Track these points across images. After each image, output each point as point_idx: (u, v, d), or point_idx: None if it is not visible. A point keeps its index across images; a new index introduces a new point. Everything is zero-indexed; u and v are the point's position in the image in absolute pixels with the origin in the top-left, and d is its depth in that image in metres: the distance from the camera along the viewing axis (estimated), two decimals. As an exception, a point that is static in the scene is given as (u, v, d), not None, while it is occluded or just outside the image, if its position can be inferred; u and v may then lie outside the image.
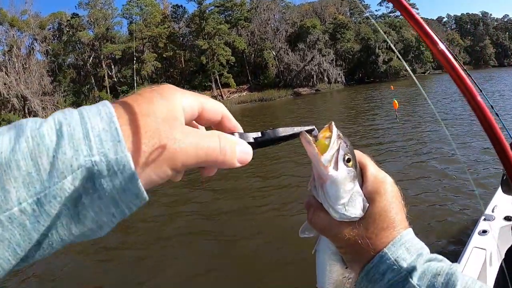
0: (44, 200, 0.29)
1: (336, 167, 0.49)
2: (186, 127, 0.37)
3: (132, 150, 0.33)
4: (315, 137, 0.49)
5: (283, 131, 0.46)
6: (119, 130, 0.32)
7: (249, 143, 0.42)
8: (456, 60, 0.37)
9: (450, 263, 0.51)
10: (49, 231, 0.30)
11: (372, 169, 0.56)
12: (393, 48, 0.55)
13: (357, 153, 0.56)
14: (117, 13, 42.41)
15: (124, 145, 0.32)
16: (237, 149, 0.40)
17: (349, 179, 0.50)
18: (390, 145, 9.79)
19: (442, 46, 0.38)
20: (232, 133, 0.42)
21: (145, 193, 0.34)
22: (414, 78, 0.53)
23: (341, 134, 0.51)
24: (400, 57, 0.53)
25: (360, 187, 0.53)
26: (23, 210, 0.29)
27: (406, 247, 0.51)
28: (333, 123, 0.51)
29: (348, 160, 0.50)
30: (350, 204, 0.51)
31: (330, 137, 0.49)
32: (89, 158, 0.31)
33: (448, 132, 9.30)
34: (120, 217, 0.33)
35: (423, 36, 0.37)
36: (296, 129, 0.47)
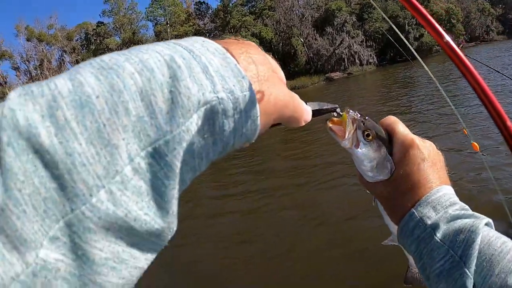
0: (165, 149, 0.24)
1: (357, 145, 0.58)
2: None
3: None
4: (339, 114, 0.57)
5: (312, 106, 0.48)
6: (239, 67, 0.29)
7: None
8: (464, 55, 0.37)
9: (476, 218, 0.53)
10: (172, 190, 0.25)
11: (400, 133, 0.61)
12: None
13: (388, 118, 0.64)
14: (142, 17, 42.49)
15: (249, 82, 0.29)
16: (308, 112, 0.41)
17: (372, 151, 0.59)
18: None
19: (447, 38, 0.38)
20: None
21: (255, 138, 0.31)
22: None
23: (355, 116, 0.58)
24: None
25: (390, 151, 0.60)
26: (137, 168, 0.23)
27: (433, 205, 0.56)
28: (347, 108, 0.59)
29: (368, 135, 0.58)
30: (376, 169, 0.60)
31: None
32: (215, 95, 0.26)
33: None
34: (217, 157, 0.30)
35: (430, 30, 0.37)
36: (321, 105, 0.51)
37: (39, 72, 38.34)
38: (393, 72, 31.87)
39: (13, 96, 0.22)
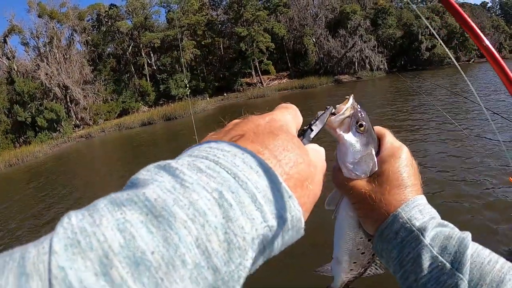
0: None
1: (347, 130, 0.56)
2: (309, 154, 0.35)
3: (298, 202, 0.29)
4: (334, 114, 0.56)
5: (318, 125, 0.48)
6: (285, 185, 0.28)
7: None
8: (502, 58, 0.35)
9: (461, 231, 0.52)
10: None
11: (389, 138, 0.61)
12: (435, 34, 0.57)
13: (377, 127, 0.62)
14: (155, 2, 42.11)
15: (296, 201, 0.28)
16: (323, 154, 0.40)
17: (360, 142, 0.57)
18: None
19: (487, 42, 0.36)
20: (304, 130, 0.45)
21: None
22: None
23: (356, 105, 0.57)
24: (443, 43, 0.56)
25: (377, 154, 0.59)
26: None
27: (419, 209, 0.53)
28: (352, 95, 0.58)
29: (360, 126, 0.56)
30: (359, 164, 0.57)
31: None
32: (265, 224, 0.26)
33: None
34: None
35: (470, 33, 0.36)
36: (322, 120, 0.49)
37: (48, 49, 38.12)
38: (404, 80, 30.78)
39: (59, 249, 0.20)
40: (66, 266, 0.19)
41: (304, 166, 0.32)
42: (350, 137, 0.56)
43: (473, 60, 52.91)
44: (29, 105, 31.91)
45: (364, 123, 0.57)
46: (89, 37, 40.44)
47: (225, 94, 38.29)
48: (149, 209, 0.22)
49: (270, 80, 40.81)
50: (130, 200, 0.23)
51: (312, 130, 0.46)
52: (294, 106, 0.40)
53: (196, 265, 0.22)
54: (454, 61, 0.50)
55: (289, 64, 42.62)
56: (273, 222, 0.26)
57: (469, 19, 0.34)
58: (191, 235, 0.22)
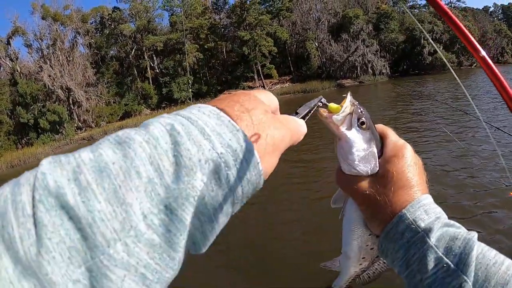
0: (175, 204, 0.27)
1: (349, 128, 0.56)
2: (279, 116, 0.40)
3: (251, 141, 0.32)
4: (325, 104, 0.56)
5: (304, 109, 0.51)
6: (233, 122, 0.32)
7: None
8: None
9: (467, 231, 0.52)
10: (182, 240, 0.28)
11: (392, 137, 0.60)
12: (428, 38, 0.52)
13: (379, 125, 0.62)
14: (158, 6, 42.30)
15: (243, 133, 0.31)
16: (303, 126, 0.43)
17: (362, 140, 0.56)
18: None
19: (483, 53, 0.37)
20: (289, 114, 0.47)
21: (262, 181, 0.33)
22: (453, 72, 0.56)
23: (356, 102, 0.57)
24: (436, 47, 0.61)
25: (379, 153, 0.59)
26: (150, 224, 0.26)
27: (425, 209, 0.53)
28: (349, 93, 0.58)
29: (362, 123, 0.56)
30: (361, 161, 0.57)
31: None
32: (214, 151, 0.29)
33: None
34: (235, 211, 0.32)
35: (465, 42, 0.36)
36: (309, 105, 0.52)
37: (51, 51, 38.23)
38: (406, 84, 31.33)
39: (45, 163, 0.27)
40: (47, 173, 0.26)
41: (263, 115, 0.35)
42: (352, 134, 0.56)
43: (475, 64, 52.98)
44: (31, 107, 31.97)
45: (365, 120, 0.57)
46: (92, 40, 40.54)
47: (227, 98, 38.17)
48: (116, 140, 0.28)
49: (272, 84, 40.82)
50: (105, 139, 0.29)
51: (297, 114, 0.49)
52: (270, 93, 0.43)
53: (150, 180, 0.26)
54: (451, 69, 0.51)
55: (292, 68, 42.68)
56: (221, 150, 0.29)
57: (466, 31, 0.35)
58: (145, 152, 0.27)
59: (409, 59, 46.73)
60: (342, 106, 0.56)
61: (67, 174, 0.25)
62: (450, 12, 0.35)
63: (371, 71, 41.66)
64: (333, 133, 0.58)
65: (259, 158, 0.32)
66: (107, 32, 40.85)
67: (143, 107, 37.38)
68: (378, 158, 0.59)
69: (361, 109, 0.57)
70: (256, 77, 40.49)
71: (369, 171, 0.57)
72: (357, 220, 0.62)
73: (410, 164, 0.57)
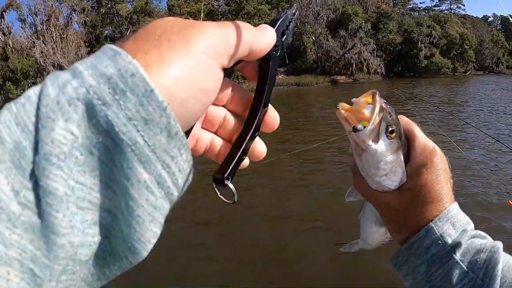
0: (37, 172, 0.20)
1: (377, 139, 0.48)
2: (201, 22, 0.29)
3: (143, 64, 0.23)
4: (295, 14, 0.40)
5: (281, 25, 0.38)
6: (114, 46, 0.24)
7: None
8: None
9: (493, 241, 0.50)
10: (61, 220, 0.21)
11: (421, 139, 0.53)
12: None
13: (404, 119, 0.54)
14: (157, -12, 41.78)
15: (125, 54, 0.23)
16: (268, 31, 0.33)
17: (390, 151, 0.49)
18: None
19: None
20: None
21: (179, 128, 0.24)
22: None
23: (384, 105, 0.48)
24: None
25: (405, 156, 0.52)
26: (25, 202, 0.20)
27: (452, 222, 0.50)
28: (377, 92, 0.49)
29: (392, 132, 0.48)
30: (389, 175, 0.50)
31: (370, 104, 0.48)
32: (82, 87, 0.22)
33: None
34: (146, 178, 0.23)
35: None
36: (284, 15, 0.39)
37: (45, 27, 37.59)
38: (401, 85, 30.56)
39: None
40: None
41: (174, 23, 0.28)
42: (380, 147, 0.48)
43: (470, 72, 53.19)
44: (21, 83, 31.41)
45: (395, 127, 0.49)
46: (87, 18, 39.98)
47: (220, 86, 37.98)
48: None
49: (266, 75, 40.53)
50: None
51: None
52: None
53: (17, 145, 0.20)
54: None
55: (287, 61, 42.45)
56: (92, 82, 0.22)
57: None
58: (11, 114, 0.21)
59: (405, 61, 46.85)
60: (365, 107, 0.48)
61: None
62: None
63: (366, 69, 41.70)
64: (354, 142, 0.49)
65: (152, 82, 0.23)
66: (103, 11, 40.35)
67: (134, 89, 36.85)
68: (405, 163, 0.52)
69: (391, 114, 0.49)
70: (251, 67, 40.13)
71: (397, 184, 0.51)
72: (377, 221, 0.58)
73: (439, 174, 0.51)
